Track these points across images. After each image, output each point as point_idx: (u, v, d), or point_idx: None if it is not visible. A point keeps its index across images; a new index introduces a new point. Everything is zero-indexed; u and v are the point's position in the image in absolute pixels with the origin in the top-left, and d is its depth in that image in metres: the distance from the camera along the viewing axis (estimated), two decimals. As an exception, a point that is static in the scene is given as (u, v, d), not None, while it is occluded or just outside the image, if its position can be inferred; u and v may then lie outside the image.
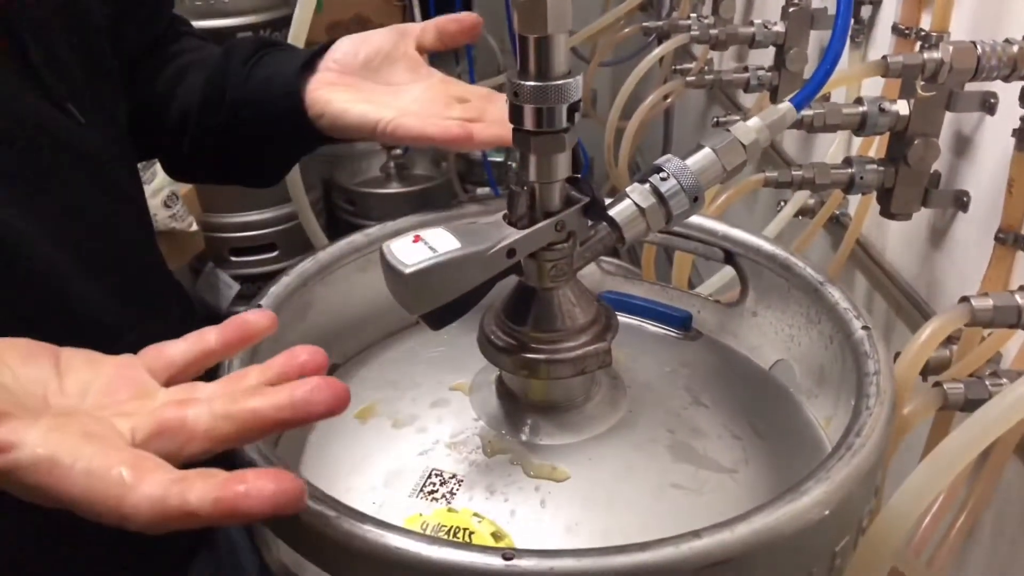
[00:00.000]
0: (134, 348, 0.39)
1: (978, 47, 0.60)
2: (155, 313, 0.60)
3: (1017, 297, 0.49)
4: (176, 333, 0.42)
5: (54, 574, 0.55)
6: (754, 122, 0.47)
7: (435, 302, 0.41)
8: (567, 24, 0.38)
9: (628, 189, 0.45)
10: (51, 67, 0.54)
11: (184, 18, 0.76)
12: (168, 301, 0.66)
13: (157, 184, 1.46)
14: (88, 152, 0.56)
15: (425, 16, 1.96)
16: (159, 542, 0.61)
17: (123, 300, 0.56)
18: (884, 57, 0.65)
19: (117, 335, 0.50)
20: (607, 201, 0.45)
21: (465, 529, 0.40)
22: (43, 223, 0.51)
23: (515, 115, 0.41)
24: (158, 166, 1.54)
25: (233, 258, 1.86)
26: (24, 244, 0.49)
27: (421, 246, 0.41)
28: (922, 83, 0.65)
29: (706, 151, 0.46)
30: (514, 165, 0.47)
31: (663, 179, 0.45)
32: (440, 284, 0.41)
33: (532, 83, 0.39)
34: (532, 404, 0.47)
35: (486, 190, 2.06)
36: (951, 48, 0.60)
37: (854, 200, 0.90)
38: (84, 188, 0.55)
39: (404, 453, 0.46)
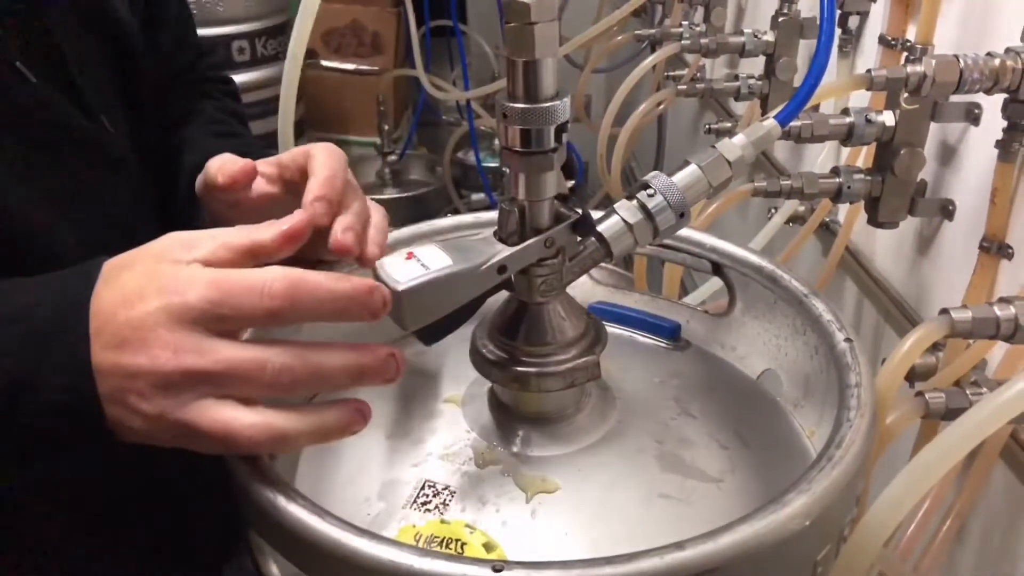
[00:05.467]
0: None
1: (960, 60, 0.61)
2: None
3: (996, 309, 0.50)
4: None
5: (95, 568, 0.57)
6: (739, 139, 0.48)
7: (428, 318, 0.42)
8: (554, 49, 0.39)
9: (616, 205, 0.46)
10: (86, 80, 0.57)
11: (221, 74, 0.79)
12: None
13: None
14: (116, 156, 0.59)
15: (420, 23, 1.97)
16: (196, 539, 0.63)
17: None
18: (868, 71, 0.66)
19: None
20: (596, 216, 0.46)
21: (457, 540, 0.41)
22: (71, 221, 0.53)
23: (504, 136, 0.42)
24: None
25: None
26: (56, 243, 0.51)
27: (414, 263, 0.42)
28: (906, 95, 0.66)
29: (692, 168, 0.47)
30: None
31: (650, 195, 0.46)
32: (432, 300, 0.42)
33: (520, 105, 0.40)
34: (523, 416, 0.48)
35: (481, 196, 2.07)
36: (934, 62, 0.61)
37: (844, 207, 0.91)
38: (110, 188, 0.58)
39: (398, 465, 0.47)
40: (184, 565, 0.64)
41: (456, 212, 2.14)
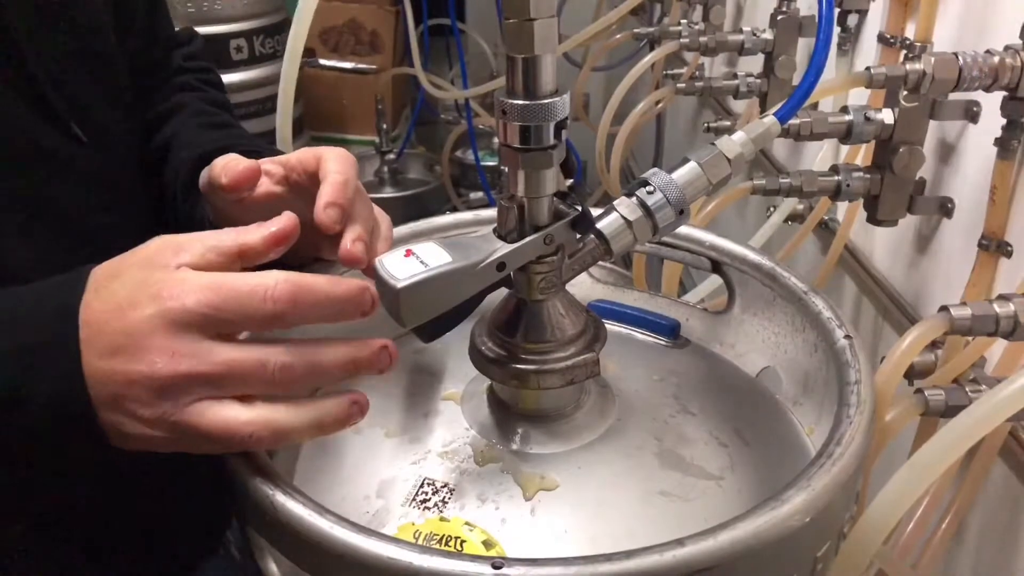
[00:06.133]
0: None
1: (960, 58, 0.61)
2: None
3: (995, 306, 0.50)
4: None
5: (68, 569, 0.57)
6: (739, 136, 0.48)
7: (426, 315, 0.42)
8: (553, 45, 0.39)
9: (616, 202, 0.46)
10: (57, 88, 0.55)
11: (199, 64, 0.76)
12: None
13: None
14: (90, 171, 0.57)
15: (418, 21, 1.97)
16: (171, 541, 0.63)
17: None
18: (868, 68, 0.66)
19: None
20: (595, 213, 0.46)
21: (457, 538, 0.41)
22: (39, 245, 0.52)
23: (504, 133, 0.41)
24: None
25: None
26: (20, 268, 0.50)
27: (413, 260, 0.42)
28: (905, 93, 0.66)
29: (691, 165, 0.47)
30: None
31: (649, 192, 0.46)
32: (431, 298, 0.42)
33: (520, 102, 0.40)
34: (522, 413, 0.48)
35: (479, 194, 2.07)
36: (933, 60, 0.61)
37: (843, 205, 0.91)
38: (84, 207, 0.57)
39: (397, 462, 0.47)
40: (162, 561, 0.63)
41: (455, 211, 2.14)
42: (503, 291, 0.47)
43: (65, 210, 0.55)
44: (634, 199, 0.46)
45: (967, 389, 0.54)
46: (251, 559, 0.68)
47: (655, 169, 0.47)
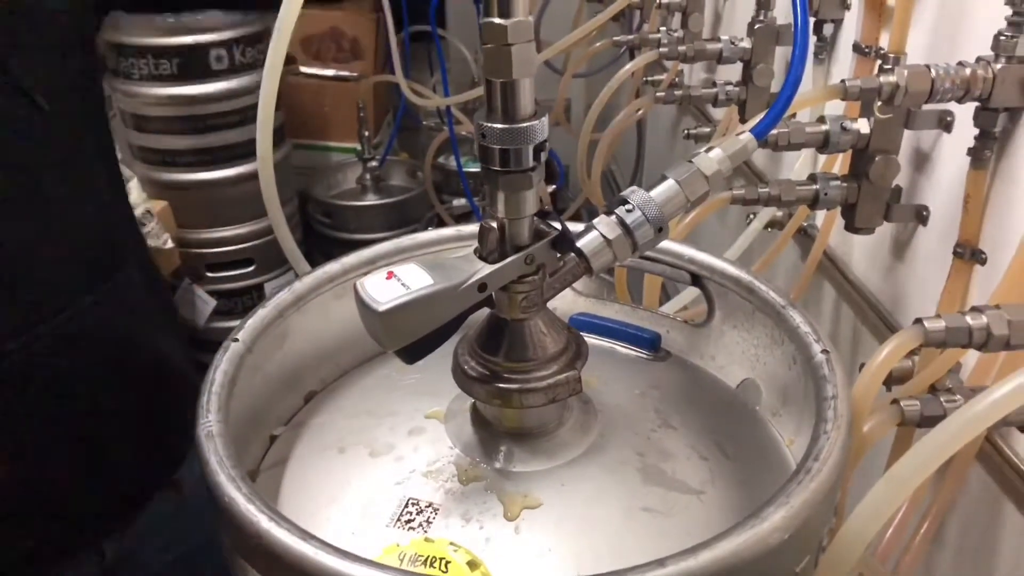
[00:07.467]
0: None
1: (932, 70, 0.62)
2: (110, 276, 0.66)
3: (968, 319, 0.51)
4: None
5: None
6: (716, 153, 0.48)
7: (409, 337, 0.42)
8: (532, 70, 0.40)
9: (595, 221, 0.47)
10: (17, 56, 0.56)
11: None
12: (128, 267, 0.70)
13: (132, 202, 1.45)
14: (53, 141, 0.59)
15: (399, 28, 1.97)
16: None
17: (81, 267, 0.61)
18: (843, 81, 0.67)
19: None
20: (575, 230, 0.47)
21: (442, 559, 0.41)
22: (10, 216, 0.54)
23: (483, 155, 0.42)
24: (132, 183, 1.52)
25: (209, 274, 1.85)
26: None
27: (394, 283, 0.42)
28: (879, 104, 0.67)
29: (670, 183, 0.47)
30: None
31: (628, 211, 0.46)
32: (413, 320, 0.42)
33: (499, 125, 0.40)
34: (506, 431, 0.48)
35: (462, 201, 2.07)
36: (906, 72, 0.62)
37: (821, 212, 0.92)
38: (47, 176, 0.58)
39: (381, 483, 0.47)
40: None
41: (438, 217, 2.13)
42: (485, 310, 0.47)
43: (23, 174, 0.57)
44: (613, 217, 0.46)
45: (942, 399, 0.55)
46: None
47: (634, 187, 0.47)
